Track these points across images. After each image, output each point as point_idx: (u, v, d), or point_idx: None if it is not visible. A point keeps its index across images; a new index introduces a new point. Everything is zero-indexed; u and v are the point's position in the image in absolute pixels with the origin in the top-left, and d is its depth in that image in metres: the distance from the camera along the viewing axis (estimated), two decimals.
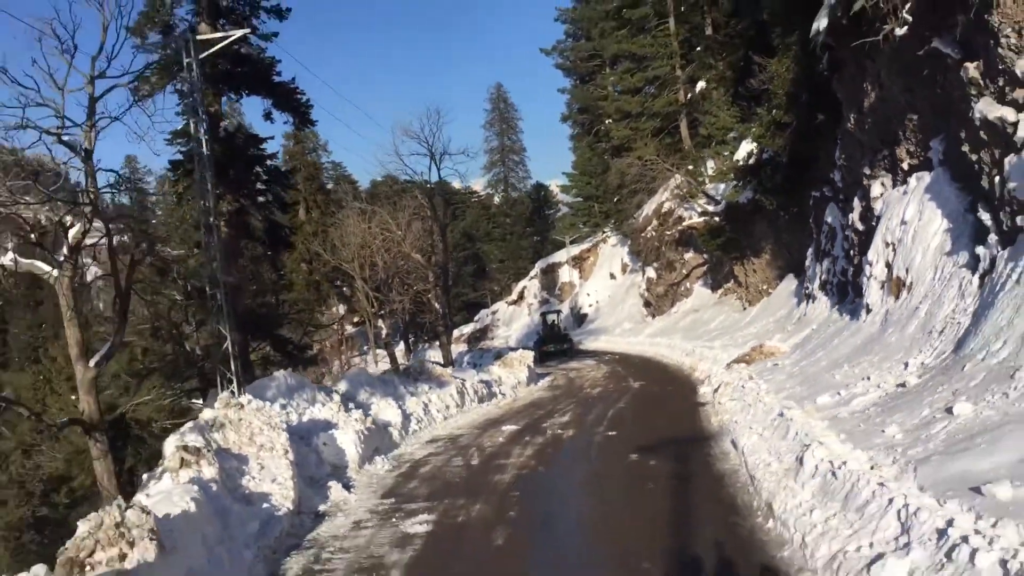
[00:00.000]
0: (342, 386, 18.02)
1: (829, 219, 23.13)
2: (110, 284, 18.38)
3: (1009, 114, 11.21)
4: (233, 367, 15.79)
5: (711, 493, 9.84)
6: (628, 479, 11.23)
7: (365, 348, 59.60)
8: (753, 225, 32.75)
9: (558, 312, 48.57)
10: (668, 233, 42.26)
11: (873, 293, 15.94)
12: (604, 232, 57.52)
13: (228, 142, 20.41)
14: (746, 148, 28.87)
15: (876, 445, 9.02)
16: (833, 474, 8.13)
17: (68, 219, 15.35)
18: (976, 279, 11.91)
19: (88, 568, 6.82)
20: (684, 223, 39.88)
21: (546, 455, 13.86)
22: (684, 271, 42.55)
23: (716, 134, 33.80)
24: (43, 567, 6.40)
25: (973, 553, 5.37)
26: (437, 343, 42.16)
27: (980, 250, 11.93)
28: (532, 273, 70.89)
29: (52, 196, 13.74)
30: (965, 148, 12.60)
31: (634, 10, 44.80)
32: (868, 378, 12.41)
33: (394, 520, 10.31)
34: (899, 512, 6.59)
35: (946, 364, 10.79)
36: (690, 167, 37.44)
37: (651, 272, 45.57)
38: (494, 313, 73.78)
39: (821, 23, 18.81)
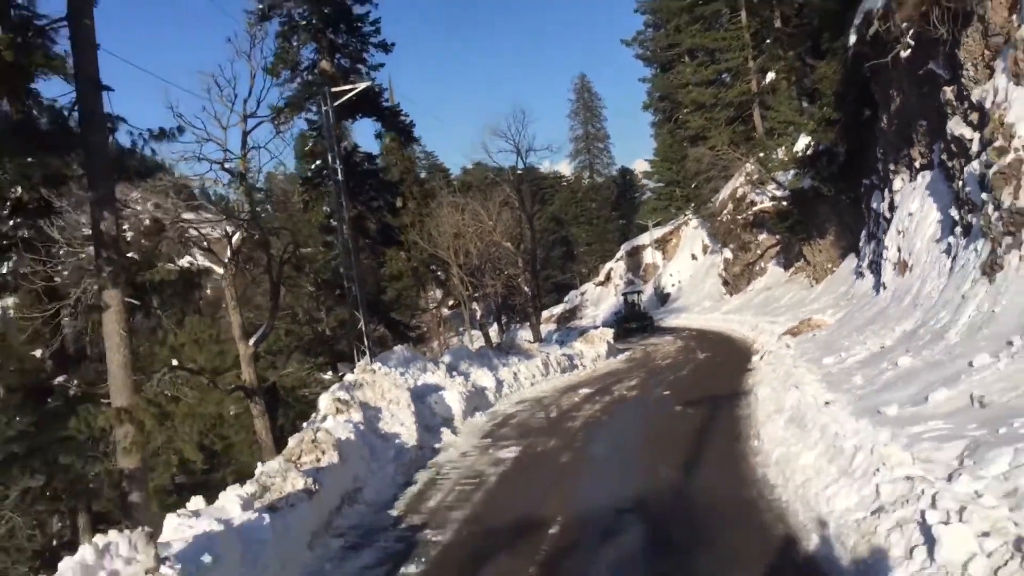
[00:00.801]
0: (447, 359, 21.95)
1: (874, 205, 25.84)
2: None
3: (967, 132, 14.20)
4: (366, 342, 19.88)
5: (726, 428, 13.27)
6: (668, 422, 14.75)
7: (461, 329, 63.89)
8: (817, 208, 35.37)
9: (638, 292, 51.83)
10: (742, 216, 44.97)
11: (887, 273, 18.94)
12: (685, 215, 60.30)
13: (347, 160, 24.50)
14: (804, 140, 31.58)
15: (843, 389, 12.33)
16: (798, 408, 11.52)
17: (231, 229, 19.64)
18: (950, 263, 14.93)
19: (299, 464, 10.79)
20: (756, 207, 42.57)
21: (610, 409, 17.48)
22: (758, 251, 45.21)
23: (777, 127, 36.46)
24: (279, 459, 10.36)
25: (842, 441, 8.80)
26: (528, 323, 46.05)
27: (951, 240, 14.95)
28: (618, 255, 74.05)
29: (228, 214, 17.96)
30: (944, 156, 15.57)
31: (706, 6, 47.51)
32: (865, 343, 15.56)
33: (490, 451, 14.10)
34: (821, 427, 9.99)
35: (914, 330, 13.94)
36: (761, 155, 40.03)
37: (728, 253, 48.33)
38: (583, 294, 77.22)
39: (852, 38, 21.73)
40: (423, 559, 8.53)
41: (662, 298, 60.57)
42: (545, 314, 72.22)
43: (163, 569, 5.62)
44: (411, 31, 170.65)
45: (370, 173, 26.41)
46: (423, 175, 74.12)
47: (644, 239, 68.88)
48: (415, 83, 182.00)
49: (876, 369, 12.68)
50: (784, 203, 37.48)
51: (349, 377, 16.34)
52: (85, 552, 5.47)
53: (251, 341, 19.72)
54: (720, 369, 23.08)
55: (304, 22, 24.72)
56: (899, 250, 18.37)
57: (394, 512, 10.72)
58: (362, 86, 21.07)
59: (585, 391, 20.83)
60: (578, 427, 15.54)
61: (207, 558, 6.25)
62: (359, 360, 19.24)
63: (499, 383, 21.35)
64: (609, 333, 33.15)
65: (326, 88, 19.99)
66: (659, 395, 18.71)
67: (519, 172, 45.59)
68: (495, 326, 53.24)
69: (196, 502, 8.57)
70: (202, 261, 23.21)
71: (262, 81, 17.98)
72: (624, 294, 52.32)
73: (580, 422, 16.08)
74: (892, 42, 18.26)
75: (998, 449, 7.18)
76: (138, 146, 12.35)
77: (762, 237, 44.64)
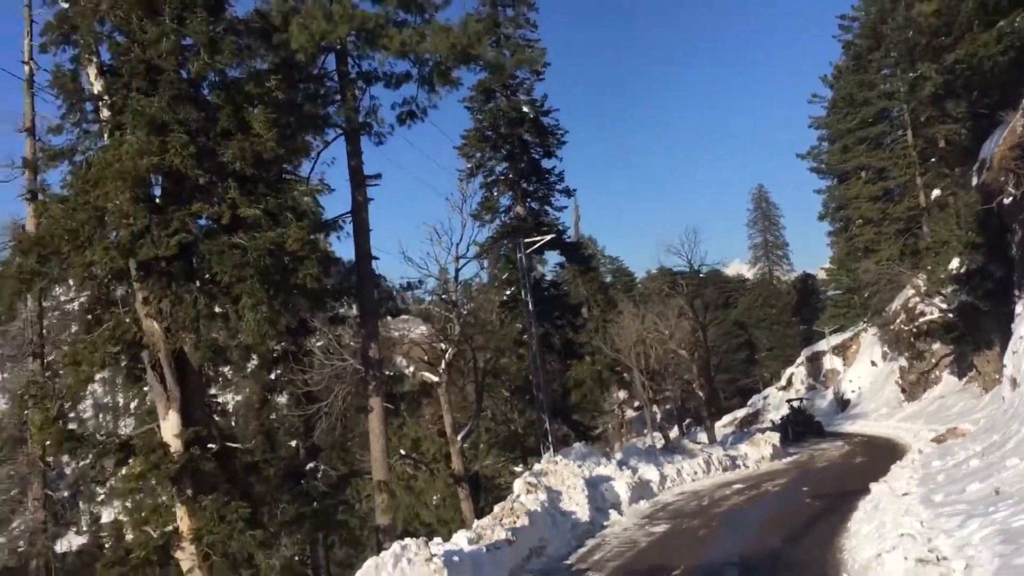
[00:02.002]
0: (619, 455, 25.97)
1: None
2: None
3: None
4: (550, 439, 24.36)
5: (836, 515, 16.56)
6: (794, 510, 18.14)
7: (645, 431, 67.07)
8: (980, 321, 36.89)
9: (802, 399, 53.88)
10: (914, 326, 46.39)
11: (1007, 388, 21.40)
12: (863, 323, 61.44)
13: (536, 287, 29.75)
14: (957, 259, 33.81)
15: (927, 484, 15.46)
16: (880, 497, 14.83)
17: (445, 347, 24.81)
18: None
19: (502, 523, 15.23)
20: (925, 317, 44.08)
21: (752, 499, 20.91)
22: (933, 360, 46.25)
23: (933, 246, 38.52)
24: (488, 518, 14.85)
25: (884, 516, 12.27)
26: (703, 426, 49.04)
27: None
28: (799, 360, 75.10)
29: (444, 335, 23.20)
30: None
31: (872, 127, 50.33)
32: (968, 448, 18.34)
33: (646, 527, 18.02)
34: (883, 509, 13.38)
35: (997, 439, 16.78)
36: (928, 267, 41.88)
37: (903, 361, 49.48)
38: (765, 398, 78.39)
39: (973, 179, 24.72)
40: None
41: (842, 404, 61.36)
42: (728, 417, 74.14)
43: (434, 559, 10.17)
44: (597, 142, 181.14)
45: (555, 298, 31.46)
46: (608, 279, 78.41)
47: (823, 345, 69.95)
48: (603, 189, 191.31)
49: (957, 470, 15.72)
50: (950, 315, 39.13)
51: (537, 466, 20.80)
52: (395, 547, 10.12)
53: (459, 436, 24.62)
54: (867, 471, 25.57)
55: (503, 176, 30.59)
56: (1014, 368, 20.91)
57: (568, 562, 14.92)
58: (547, 238, 26.25)
59: (737, 486, 24.17)
60: (721, 512, 19.15)
61: (456, 559, 10.78)
62: (544, 454, 23.69)
63: (663, 477, 25.07)
64: (775, 437, 35.81)
65: (520, 239, 25.34)
66: (798, 490, 21.87)
67: (693, 285, 49.58)
68: (676, 428, 56.30)
69: (437, 540, 13.17)
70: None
71: (471, 228, 23.15)
72: (788, 400, 54.42)
73: (724, 508, 19.67)
74: (998, 191, 21.30)
75: (977, 519, 10.60)
76: (394, 295, 17.80)
77: (936, 346, 45.73)
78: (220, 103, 13.93)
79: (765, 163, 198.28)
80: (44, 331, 19.31)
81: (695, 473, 27.13)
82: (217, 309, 13.57)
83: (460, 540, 12.90)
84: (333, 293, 17.07)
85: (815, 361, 71.25)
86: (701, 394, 46.65)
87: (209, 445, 14.00)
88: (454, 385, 26.28)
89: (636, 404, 65.25)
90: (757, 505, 19.94)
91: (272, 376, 27.58)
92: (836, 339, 67.28)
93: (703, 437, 47.99)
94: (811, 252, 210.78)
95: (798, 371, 74.18)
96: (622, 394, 68.07)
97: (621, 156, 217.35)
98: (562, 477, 20.50)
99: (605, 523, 19.31)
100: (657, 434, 54.86)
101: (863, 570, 10.33)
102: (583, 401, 34.68)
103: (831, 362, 67.98)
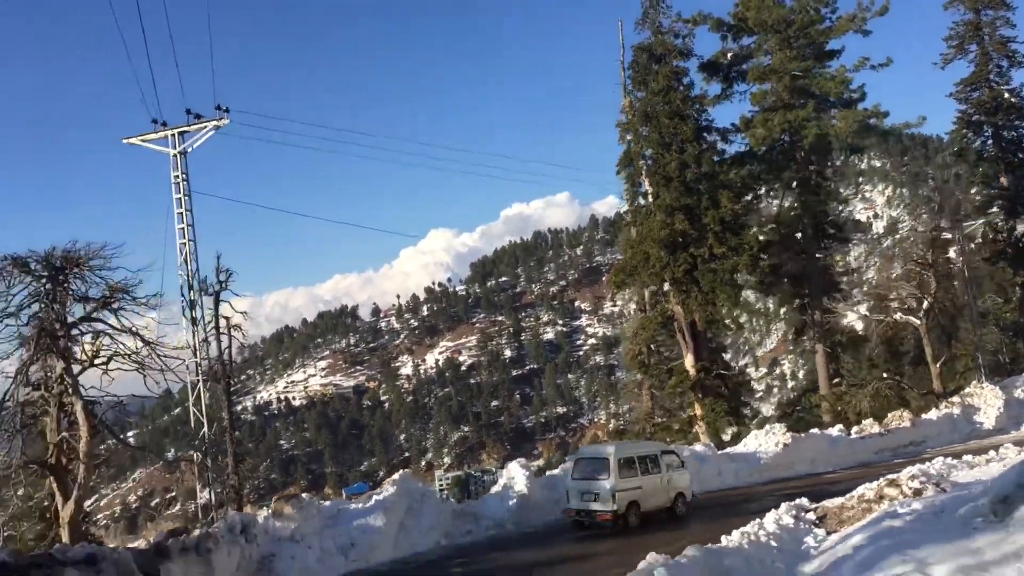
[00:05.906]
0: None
1: None
2: None
3: None
4: (982, 370, 30.25)
5: None
6: None
7: None
8: None
9: None
10: None
11: None
12: None
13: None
14: None
15: None
16: None
17: (921, 295, 32.15)
18: None
19: (883, 426, 23.82)
20: None
21: None
22: None
23: None
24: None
25: None
26: None
27: None
28: None
29: (922, 287, 30.80)
30: None
31: None
32: None
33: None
34: None
35: None
36: None
37: None
38: None
39: None
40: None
41: None
42: None
43: (788, 433, 20.22)
44: None
45: None
46: None
47: None
48: None
49: None
50: None
51: (967, 390, 27.87)
52: (767, 426, 20.51)
53: (936, 364, 31.93)
54: None
55: (988, 153, 35.71)
56: None
57: (925, 446, 23.03)
58: (979, 222, 31.46)
59: None
60: None
61: (803, 436, 20.65)
62: (973, 380, 29.81)
63: None
64: None
65: (959, 222, 31.19)
66: None
67: None
68: None
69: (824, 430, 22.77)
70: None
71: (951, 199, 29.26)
72: None
73: None
74: None
75: None
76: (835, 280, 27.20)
77: None
78: (702, 190, 25.20)
79: None
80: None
81: None
82: (707, 300, 25.08)
83: (833, 431, 22.47)
84: (791, 280, 27.17)
85: None
86: None
87: (711, 371, 25.71)
88: (937, 324, 33.33)
89: None
90: None
91: (803, 317, 37.64)
92: None
93: None
94: None
95: None
96: None
97: None
98: (984, 398, 27.23)
99: (1013, 432, 25.75)
100: None
101: None
102: None
103: None
